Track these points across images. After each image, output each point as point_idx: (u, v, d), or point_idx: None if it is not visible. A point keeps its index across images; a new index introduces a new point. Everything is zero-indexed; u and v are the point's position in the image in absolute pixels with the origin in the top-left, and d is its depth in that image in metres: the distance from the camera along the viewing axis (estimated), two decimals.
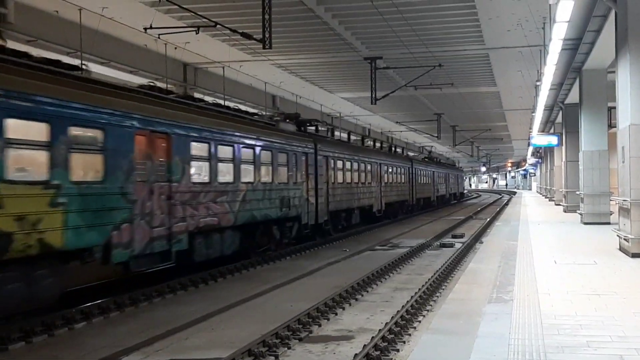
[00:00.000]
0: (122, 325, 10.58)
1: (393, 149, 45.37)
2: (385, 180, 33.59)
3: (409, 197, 40.51)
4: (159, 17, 20.42)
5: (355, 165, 27.74)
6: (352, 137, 37.36)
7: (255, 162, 17.37)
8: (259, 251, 18.05)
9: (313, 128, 25.41)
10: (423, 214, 42.99)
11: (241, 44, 24.26)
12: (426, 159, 54.16)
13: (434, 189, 50.80)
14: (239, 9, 20.96)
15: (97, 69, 22.66)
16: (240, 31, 19.04)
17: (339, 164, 25.38)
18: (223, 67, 28.59)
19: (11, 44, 18.05)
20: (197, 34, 20.11)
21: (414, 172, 42.17)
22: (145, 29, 19.72)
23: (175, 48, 24.94)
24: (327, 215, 23.89)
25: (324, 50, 27.46)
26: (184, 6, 18.02)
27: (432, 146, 71.67)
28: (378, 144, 39.12)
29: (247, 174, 16.99)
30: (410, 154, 59.60)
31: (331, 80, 35.58)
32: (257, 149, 17.53)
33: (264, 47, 18.32)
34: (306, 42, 26.22)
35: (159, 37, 21.39)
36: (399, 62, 29.39)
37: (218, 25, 18.95)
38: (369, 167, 30.04)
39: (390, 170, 34.98)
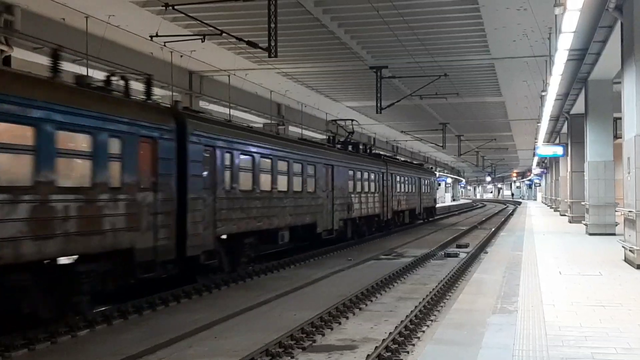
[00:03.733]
0: (125, 334, 10.56)
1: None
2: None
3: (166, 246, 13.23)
4: (165, 25, 20.47)
5: None
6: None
7: None
8: None
9: None
10: (428, 225, 42.42)
11: (247, 52, 24.30)
12: (340, 144, 28.94)
13: (353, 204, 26.09)
14: (244, 17, 20.99)
15: (102, 77, 22.75)
16: (246, 40, 19.09)
17: None
18: (229, 76, 28.64)
19: (17, 51, 18.18)
20: (202, 42, 20.14)
21: (225, 162, 15.67)
22: (151, 36, 19.77)
23: (181, 56, 25.00)
24: None
25: (330, 59, 27.49)
26: (190, 14, 18.07)
27: (353, 120, 33.09)
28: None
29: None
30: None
31: (336, 89, 35.59)
32: None
33: (269, 56, 18.32)
34: (312, 51, 26.25)
35: (164, 45, 21.45)
36: (405, 72, 29.38)
37: (224, 34, 19.00)
38: None
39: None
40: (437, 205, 77.75)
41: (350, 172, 26.26)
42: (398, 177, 34.79)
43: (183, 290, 13.72)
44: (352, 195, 26.20)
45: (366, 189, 28.35)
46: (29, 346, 9.50)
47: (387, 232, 31.73)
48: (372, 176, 29.58)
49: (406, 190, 36.95)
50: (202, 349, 9.53)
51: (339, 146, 28.03)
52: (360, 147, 31.16)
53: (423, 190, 42.72)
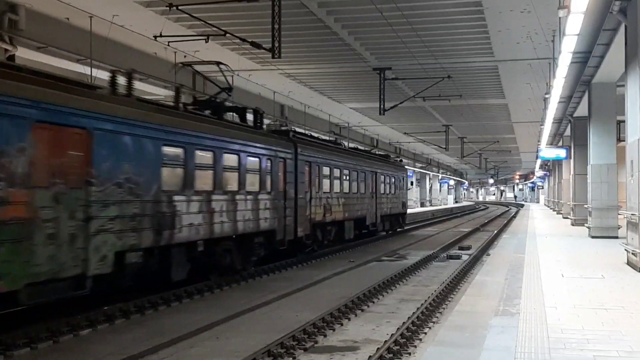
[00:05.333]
0: (127, 333, 10.57)
1: None
2: None
3: None
4: (168, 26, 20.50)
5: None
6: None
7: None
8: None
9: None
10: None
11: (250, 53, 24.33)
12: (197, 104, 17.67)
13: (178, 216, 13.00)
14: (248, 18, 21.02)
15: (106, 77, 22.79)
16: (250, 40, 19.10)
17: None
18: (232, 76, 28.64)
19: (21, 51, 18.22)
20: (206, 42, 20.17)
21: None
22: (155, 37, 19.80)
23: (185, 56, 25.01)
24: None
25: (333, 60, 27.50)
26: (194, 15, 18.10)
27: (221, 64, 18.49)
28: None
29: None
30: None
31: (340, 90, 35.59)
32: None
33: (273, 57, 18.35)
34: (315, 52, 26.26)
35: (168, 45, 21.47)
36: (408, 73, 29.38)
37: (227, 34, 19.02)
38: None
39: None
40: (440, 207, 77.66)
41: (176, 151, 13.25)
42: (326, 170, 22.43)
43: (185, 291, 13.74)
44: (179, 199, 13.22)
45: (234, 186, 15.63)
46: (31, 345, 9.51)
47: (305, 257, 20.35)
48: (256, 163, 16.96)
49: (346, 190, 24.64)
50: (203, 349, 9.54)
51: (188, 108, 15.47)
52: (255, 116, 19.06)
53: (382, 191, 30.05)
